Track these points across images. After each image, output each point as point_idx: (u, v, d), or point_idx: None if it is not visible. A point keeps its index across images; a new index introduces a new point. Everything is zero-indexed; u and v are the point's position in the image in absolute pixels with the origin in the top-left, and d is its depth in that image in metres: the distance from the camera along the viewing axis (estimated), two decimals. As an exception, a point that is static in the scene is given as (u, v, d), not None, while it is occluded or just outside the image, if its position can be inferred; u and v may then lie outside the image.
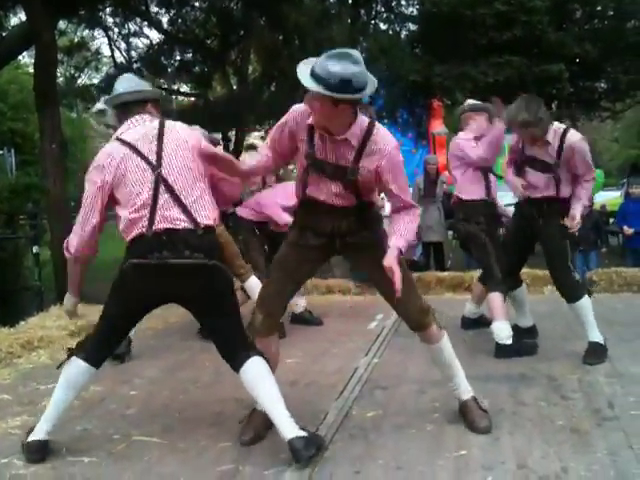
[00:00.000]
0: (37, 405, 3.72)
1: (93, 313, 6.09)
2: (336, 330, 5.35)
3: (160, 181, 2.87)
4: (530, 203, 4.37)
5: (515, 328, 4.55)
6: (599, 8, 16.60)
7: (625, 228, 8.95)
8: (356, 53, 2.69)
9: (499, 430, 3.06)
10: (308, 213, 3.07)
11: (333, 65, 2.64)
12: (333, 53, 2.68)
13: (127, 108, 3.12)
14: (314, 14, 15.20)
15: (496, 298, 4.44)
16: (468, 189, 4.61)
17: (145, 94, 3.20)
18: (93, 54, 21.43)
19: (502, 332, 4.35)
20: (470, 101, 4.98)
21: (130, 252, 2.89)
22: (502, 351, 4.33)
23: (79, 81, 22.48)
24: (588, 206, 7.90)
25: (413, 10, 17.04)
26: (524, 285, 4.79)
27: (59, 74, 15.59)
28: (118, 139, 2.99)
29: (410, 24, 18.15)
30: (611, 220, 11.53)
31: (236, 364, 2.94)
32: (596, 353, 4.16)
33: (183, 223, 2.84)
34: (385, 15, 18.39)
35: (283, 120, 3.00)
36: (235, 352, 2.95)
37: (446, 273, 7.31)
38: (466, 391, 3.23)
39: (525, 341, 4.55)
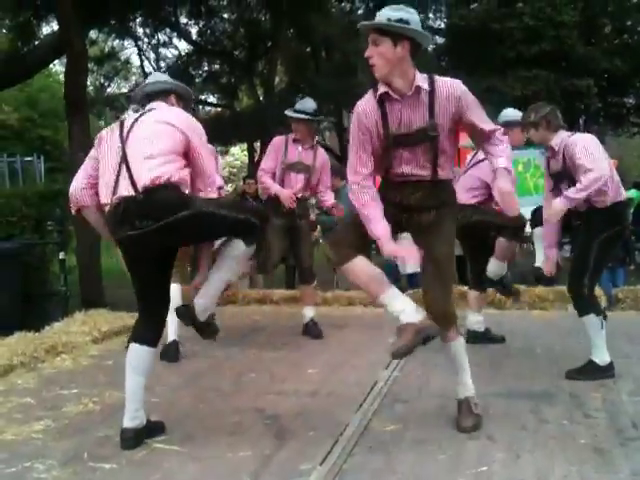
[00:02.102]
0: (60, 410, 3.76)
1: (117, 319, 6.19)
2: (357, 342, 5.34)
3: (123, 160, 3.05)
4: (575, 215, 4.25)
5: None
6: (629, 23, 16.50)
7: (651, 245, 8.85)
8: (410, 8, 2.97)
9: (520, 447, 3.02)
10: (388, 189, 3.18)
11: (390, 11, 2.91)
12: (389, 6, 2.95)
13: (151, 98, 3.33)
14: (341, 26, 15.28)
15: (474, 294, 5.05)
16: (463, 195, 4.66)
17: (166, 85, 3.39)
18: (123, 64, 21.76)
19: (473, 321, 5.02)
20: (509, 112, 4.95)
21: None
22: (471, 336, 4.88)
23: (108, 90, 22.83)
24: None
25: (440, 23, 17.08)
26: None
27: (89, 83, 15.83)
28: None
29: (437, 37, 18.17)
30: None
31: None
32: (585, 371, 4.10)
33: (128, 190, 3.00)
34: (412, 28, 18.40)
35: (356, 129, 3.08)
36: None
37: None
38: (463, 391, 3.34)
39: (494, 334, 5.06)
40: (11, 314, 6.68)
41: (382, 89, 3.01)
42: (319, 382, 4.17)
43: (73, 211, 3.36)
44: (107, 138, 3.19)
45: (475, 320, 5.05)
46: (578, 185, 3.90)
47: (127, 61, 22.11)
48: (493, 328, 5.11)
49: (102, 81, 22.16)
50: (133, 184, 2.99)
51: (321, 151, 5.58)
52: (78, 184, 3.25)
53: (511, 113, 4.93)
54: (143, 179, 2.97)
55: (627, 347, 4.74)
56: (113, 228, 3.09)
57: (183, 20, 16.31)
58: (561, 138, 4.13)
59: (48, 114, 20.36)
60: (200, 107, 19.56)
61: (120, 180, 3.03)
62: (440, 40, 17.96)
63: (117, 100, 20.62)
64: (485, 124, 3.11)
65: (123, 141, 3.09)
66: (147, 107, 3.28)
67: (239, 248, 3.16)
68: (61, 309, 7.06)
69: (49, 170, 14.72)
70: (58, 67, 21.76)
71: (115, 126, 3.22)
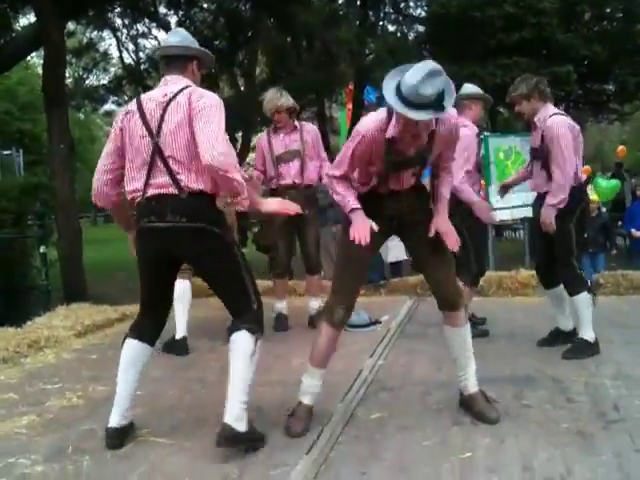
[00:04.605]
0: (44, 405, 3.74)
1: (100, 313, 6.16)
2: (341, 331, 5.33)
3: (156, 151, 2.93)
4: (538, 198, 4.41)
5: (557, 333, 4.56)
6: (608, 10, 16.61)
7: (633, 231, 8.93)
8: (434, 65, 2.79)
9: (504, 432, 3.05)
10: (371, 202, 3.17)
11: (424, 88, 2.73)
12: (416, 73, 2.75)
13: (169, 63, 3.14)
14: (322, 15, 15.21)
15: (462, 287, 4.70)
16: None
17: (188, 50, 3.16)
18: (101, 55, 21.54)
19: None
20: (468, 86, 4.98)
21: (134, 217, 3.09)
22: None
23: (87, 82, 22.63)
24: (596, 207, 7.92)
25: (421, 12, 17.12)
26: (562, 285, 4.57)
27: (68, 75, 15.66)
28: (137, 97, 3.11)
29: (418, 25, 18.18)
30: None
31: (232, 328, 3.06)
32: (579, 349, 4.24)
33: (169, 188, 2.92)
34: (393, 16, 18.41)
35: (357, 144, 3.04)
36: (232, 315, 3.09)
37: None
38: (474, 384, 3.32)
39: (479, 327, 4.91)
40: (-8, 309, 6.63)
41: (393, 133, 2.97)
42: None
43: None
44: (127, 124, 3.02)
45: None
46: (551, 194, 4.14)
47: (106, 52, 21.90)
48: (476, 314, 5.13)
49: (81, 73, 21.98)
50: (175, 182, 2.91)
51: (307, 127, 5.50)
52: (100, 182, 3.09)
53: (472, 87, 4.97)
54: (187, 181, 2.90)
55: (609, 332, 4.78)
56: (140, 217, 2.99)
57: (162, 10, 16.14)
58: (544, 115, 4.22)
59: (27, 107, 20.18)
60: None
61: (155, 173, 2.94)
62: (421, 28, 17.96)
63: (96, 92, 20.42)
64: (452, 158, 3.29)
65: (152, 129, 2.94)
66: (168, 81, 3.08)
67: (247, 340, 3.01)
68: (43, 303, 7.02)
69: (29, 163, 14.62)
70: (36, 59, 21.54)
71: (133, 109, 3.03)
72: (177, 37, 3.19)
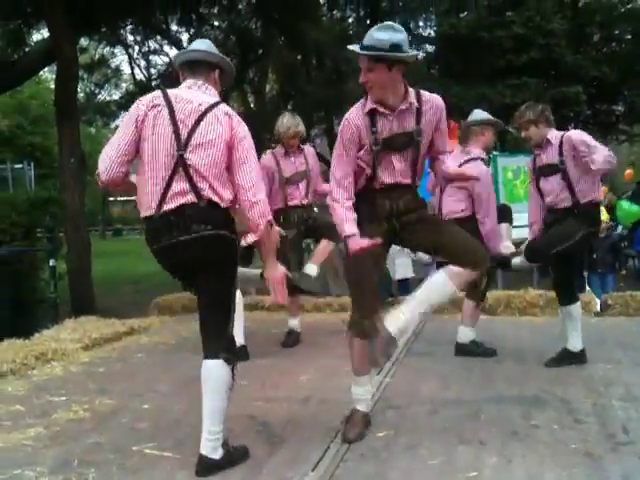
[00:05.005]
0: (50, 417, 3.75)
1: (108, 326, 6.17)
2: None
3: (181, 163, 2.84)
4: (552, 213, 4.42)
5: (566, 353, 4.52)
6: (617, 32, 16.65)
7: (642, 252, 8.90)
8: (397, 25, 3.05)
9: (511, 452, 3.03)
10: (366, 203, 3.22)
11: (380, 34, 2.97)
12: (377, 26, 3.03)
13: (193, 68, 3.07)
14: (332, 34, 15.34)
15: (468, 305, 4.87)
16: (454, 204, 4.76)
17: (212, 57, 3.10)
18: (113, 71, 21.78)
19: (464, 335, 4.85)
20: (478, 112, 5.00)
21: (145, 232, 2.98)
22: (460, 350, 4.83)
23: (99, 97, 22.83)
24: (606, 228, 7.90)
25: (430, 32, 17.19)
26: (579, 302, 4.55)
27: (79, 90, 15.81)
28: (162, 89, 2.98)
29: (427, 45, 18.27)
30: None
31: (205, 352, 2.98)
32: (563, 359, 4.41)
33: (189, 197, 2.84)
34: (403, 36, 18.49)
35: (342, 135, 3.16)
36: (209, 341, 2.97)
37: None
38: (408, 310, 3.15)
39: (485, 347, 4.87)
40: (1, 321, 6.66)
41: (371, 105, 3.12)
42: (311, 389, 4.16)
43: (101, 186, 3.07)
44: (151, 119, 2.88)
45: (466, 334, 4.89)
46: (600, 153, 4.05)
47: (117, 68, 22.15)
48: (483, 334, 5.08)
49: (92, 88, 22.19)
50: (195, 190, 2.84)
51: (308, 149, 5.61)
52: (113, 172, 2.88)
53: (482, 113, 5.00)
54: (207, 193, 2.85)
55: (618, 353, 4.76)
56: (158, 234, 2.89)
57: (174, 27, 16.33)
58: (555, 134, 4.31)
59: (38, 121, 20.35)
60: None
61: (177, 181, 2.85)
62: (430, 48, 18.06)
63: (108, 107, 20.60)
64: (446, 142, 3.40)
65: (181, 135, 2.85)
66: (198, 85, 3.01)
67: (223, 371, 2.94)
68: (51, 316, 7.05)
69: (39, 177, 14.71)
70: (48, 74, 21.74)
71: (160, 103, 2.90)
72: (202, 45, 3.15)
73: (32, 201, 8.05)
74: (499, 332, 5.46)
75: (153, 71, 19.70)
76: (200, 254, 2.87)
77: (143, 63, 19.78)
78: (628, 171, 14.29)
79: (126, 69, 22.27)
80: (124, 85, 23.83)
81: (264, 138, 15.94)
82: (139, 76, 20.27)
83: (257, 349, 5.23)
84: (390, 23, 3.06)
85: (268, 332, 5.95)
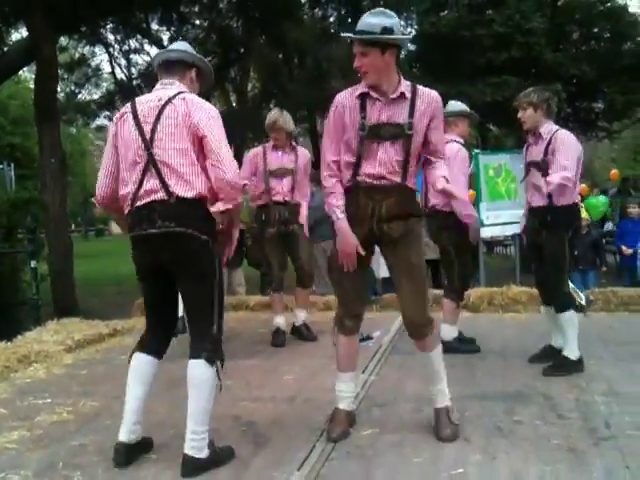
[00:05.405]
0: (34, 419, 3.72)
1: (91, 328, 6.13)
2: (333, 347, 5.33)
3: (150, 161, 2.90)
4: (531, 213, 4.45)
5: (549, 350, 4.56)
6: (596, 30, 16.79)
7: (624, 248, 8.98)
8: (388, 10, 3.07)
9: (495, 449, 3.06)
10: (349, 202, 3.19)
11: (371, 19, 3.00)
12: (369, 12, 3.07)
13: (169, 68, 3.11)
14: (314, 33, 15.34)
15: (448, 304, 4.90)
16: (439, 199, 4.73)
17: (188, 56, 3.13)
18: (93, 70, 21.59)
19: (447, 332, 4.83)
20: (453, 104, 5.04)
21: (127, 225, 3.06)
22: (443, 347, 4.63)
23: (79, 97, 22.63)
24: (586, 225, 7.97)
25: (412, 30, 17.20)
26: (572, 311, 4.40)
27: (59, 90, 15.67)
28: (132, 99, 3.09)
29: (408, 44, 18.30)
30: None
31: (190, 352, 2.99)
32: (560, 367, 4.27)
33: (159, 194, 2.89)
34: (384, 34, 18.51)
35: (332, 118, 3.18)
36: (193, 341, 3.01)
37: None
38: (441, 400, 3.33)
39: (469, 344, 4.93)
40: (-18, 324, 6.59)
41: (363, 88, 3.12)
42: (296, 388, 4.17)
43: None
44: (120, 127, 3.00)
45: (449, 332, 4.90)
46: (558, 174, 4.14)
47: (98, 68, 21.97)
48: (467, 331, 5.13)
49: (73, 88, 21.98)
50: (164, 187, 2.88)
51: (303, 151, 5.62)
52: (104, 186, 3.08)
53: (456, 105, 5.04)
54: (176, 187, 2.87)
55: (599, 348, 4.81)
56: (132, 225, 2.97)
57: (154, 27, 16.25)
58: (550, 128, 4.30)
59: (18, 121, 20.12)
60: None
61: (148, 178, 2.90)
62: (412, 47, 18.10)
63: (88, 107, 20.45)
64: (442, 141, 3.35)
65: (145, 132, 2.91)
66: (165, 84, 3.06)
67: (205, 370, 2.95)
68: (33, 318, 6.99)
69: (19, 178, 14.54)
70: (28, 74, 21.55)
71: (127, 111, 3.00)
72: (180, 46, 3.20)
73: (12, 202, 8.00)
74: (482, 329, 5.49)
75: (134, 70, 19.58)
76: (168, 251, 2.91)
77: (124, 62, 19.65)
78: (614, 171, 14.45)
79: (106, 68, 22.08)
80: (104, 84, 23.67)
81: (247, 137, 15.92)
82: (120, 75, 20.15)
83: (242, 349, 5.23)
84: (381, 9, 3.07)
85: (253, 332, 5.95)
